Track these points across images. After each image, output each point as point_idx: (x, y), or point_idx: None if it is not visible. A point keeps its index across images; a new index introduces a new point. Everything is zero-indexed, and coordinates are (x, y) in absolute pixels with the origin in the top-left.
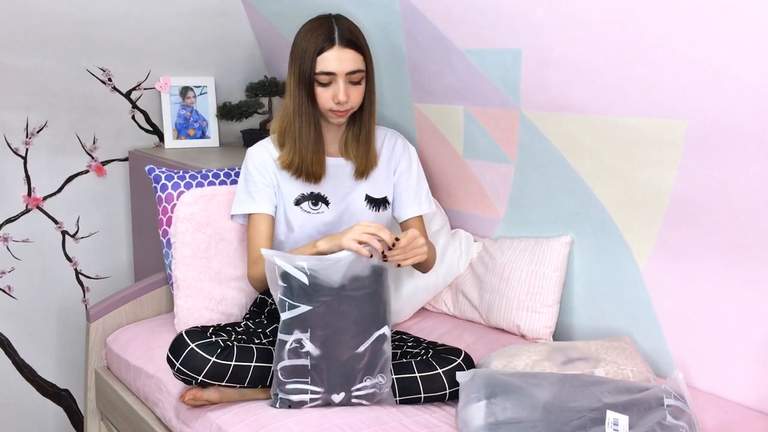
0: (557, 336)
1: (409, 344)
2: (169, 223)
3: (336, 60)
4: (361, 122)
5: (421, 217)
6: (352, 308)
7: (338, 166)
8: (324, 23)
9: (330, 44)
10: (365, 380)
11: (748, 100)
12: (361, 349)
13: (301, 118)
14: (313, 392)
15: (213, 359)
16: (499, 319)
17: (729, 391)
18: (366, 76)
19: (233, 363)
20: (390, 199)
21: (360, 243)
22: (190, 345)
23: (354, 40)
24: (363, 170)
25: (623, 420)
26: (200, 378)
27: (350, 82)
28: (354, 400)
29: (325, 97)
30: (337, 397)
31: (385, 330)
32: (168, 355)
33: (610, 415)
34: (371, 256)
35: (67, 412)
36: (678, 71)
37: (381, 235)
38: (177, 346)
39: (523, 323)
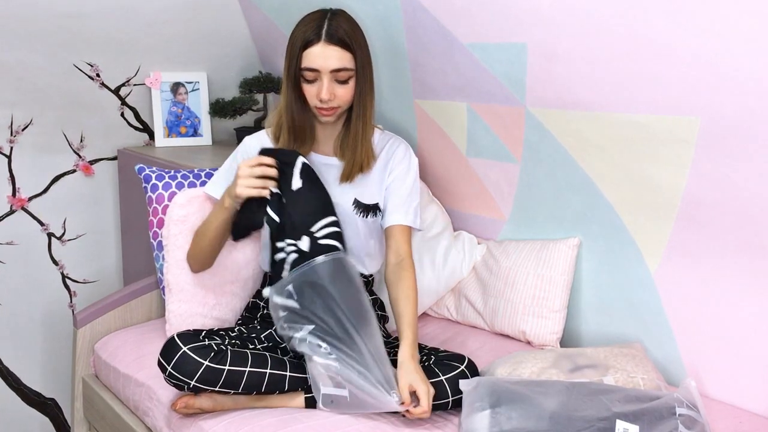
0: (564, 342)
1: None
2: (159, 225)
3: (320, 56)
4: (350, 123)
5: (407, 228)
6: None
7: (329, 166)
8: (317, 18)
9: (316, 40)
10: (324, 219)
11: (762, 95)
12: (297, 180)
13: (290, 114)
14: (291, 288)
15: (206, 363)
16: (504, 324)
17: (744, 399)
18: (357, 76)
19: (227, 367)
20: (382, 206)
21: (256, 187)
22: (182, 348)
23: (343, 37)
24: (348, 173)
25: (634, 430)
26: (192, 383)
27: (336, 81)
28: (321, 241)
29: (310, 93)
30: (304, 244)
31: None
32: (159, 359)
33: (620, 425)
34: (271, 193)
35: (53, 422)
36: (690, 66)
37: (265, 162)
38: (168, 350)
39: (529, 329)
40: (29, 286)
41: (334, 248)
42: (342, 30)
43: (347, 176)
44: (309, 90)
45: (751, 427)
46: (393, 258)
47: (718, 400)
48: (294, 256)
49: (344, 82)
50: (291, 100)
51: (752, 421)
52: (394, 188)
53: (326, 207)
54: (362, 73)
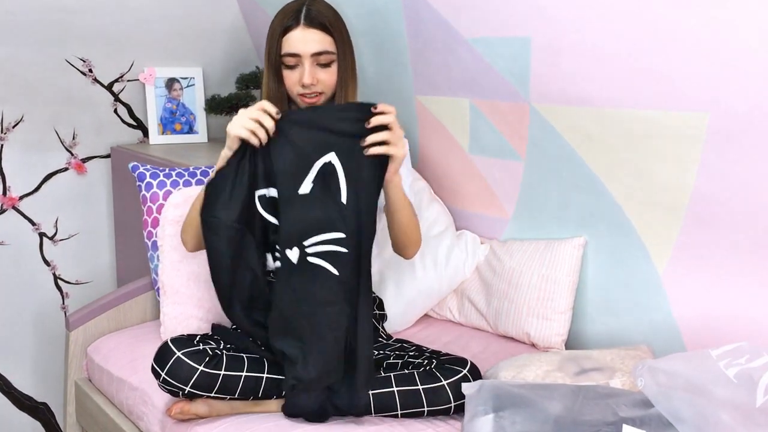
0: (570, 344)
1: (411, 353)
2: (154, 225)
3: (301, 40)
4: None
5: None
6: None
7: None
8: (296, 5)
9: (295, 24)
10: (323, 234)
11: None
12: (307, 184)
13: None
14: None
15: (201, 368)
16: (508, 326)
17: None
18: (338, 61)
19: (222, 372)
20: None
21: (250, 130)
22: (176, 353)
23: (323, 21)
24: None
25: None
26: (187, 389)
27: (318, 65)
28: (311, 259)
29: (292, 80)
30: (293, 254)
31: (331, 157)
32: (153, 365)
33: (627, 430)
34: (260, 142)
35: (45, 426)
36: (699, 60)
37: (267, 109)
38: (162, 355)
39: (534, 331)
40: (20, 288)
41: (322, 269)
42: (321, 14)
43: None
44: (291, 77)
45: None
46: None
47: None
48: (277, 264)
49: (326, 65)
50: (271, 90)
51: None
52: None
53: (331, 221)
54: (343, 57)
